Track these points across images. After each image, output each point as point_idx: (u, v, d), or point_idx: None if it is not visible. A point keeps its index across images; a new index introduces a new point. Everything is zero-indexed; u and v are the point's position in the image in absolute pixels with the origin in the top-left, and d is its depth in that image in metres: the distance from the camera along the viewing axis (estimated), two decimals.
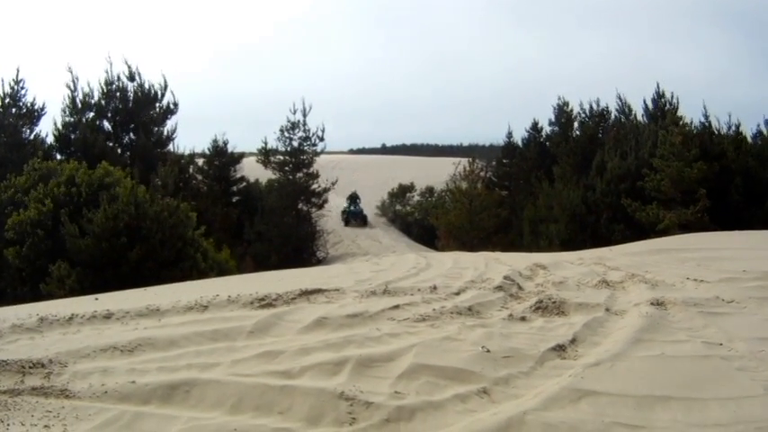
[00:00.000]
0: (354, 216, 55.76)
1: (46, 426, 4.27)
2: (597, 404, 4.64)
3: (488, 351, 5.81)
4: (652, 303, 7.97)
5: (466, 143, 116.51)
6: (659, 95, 37.59)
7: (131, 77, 32.09)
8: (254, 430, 4.27)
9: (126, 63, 32.79)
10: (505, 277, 10.45)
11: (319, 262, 35.26)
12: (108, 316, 7.48)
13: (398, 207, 58.67)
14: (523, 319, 7.44)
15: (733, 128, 34.30)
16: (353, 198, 58.17)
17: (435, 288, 9.44)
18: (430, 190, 57.34)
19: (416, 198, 58.54)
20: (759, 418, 4.45)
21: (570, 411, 4.52)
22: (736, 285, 9.32)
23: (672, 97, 37.11)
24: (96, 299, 10.21)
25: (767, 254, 13.78)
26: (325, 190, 38.37)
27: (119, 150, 31.23)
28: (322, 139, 37.89)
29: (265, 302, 8.13)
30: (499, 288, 9.41)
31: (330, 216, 41.73)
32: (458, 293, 9.08)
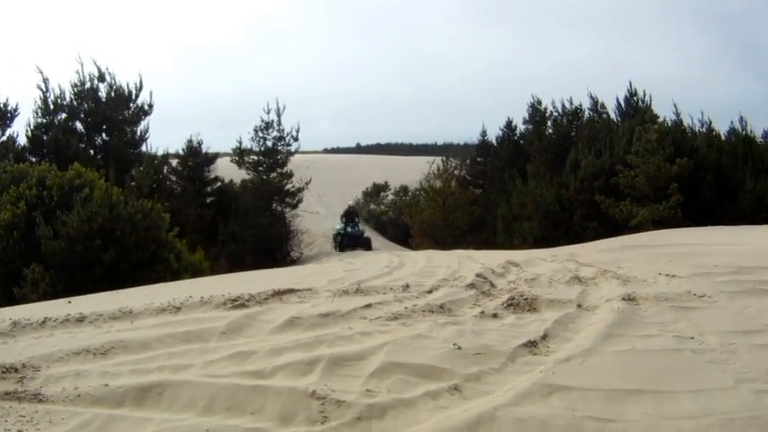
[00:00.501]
0: (353, 239, 41.11)
1: (20, 430, 4.26)
2: (568, 399, 4.67)
3: (460, 348, 5.83)
4: (623, 299, 8.02)
5: (440, 142, 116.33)
6: (632, 94, 37.83)
7: (101, 78, 31.84)
8: (226, 431, 4.27)
9: (95, 64, 32.70)
10: (478, 275, 10.51)
11: (293, 262, 35.14)
12: (81, 319, 7.47)
13: (372, 206, 58.23)
14: (495, 316, 7.46)
15: (705, 126, 34.67)
16: (351, 215, 42.83)
17: (408, 286, 9.46)
18: (404, 189, 57.19)
19: (390, 197, 58.38)
20: (730, 409, 4.49)
21: (541, 406, 4.54)
22: (707, 280, 9.38)
23: (645, 95, 37.43)
24: (69, 302, 10.19)
25: (739, 249, 13.85)
26: (300, 190, 38.22)
27: (92, 152, 31.04)
28: (296, 139, 37.76)
29: (238, 303, 8.13)
30: (471, 286, 9.46)
31: (304, 216, 41.58)
32: (430, 292, 9.13)
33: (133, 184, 26.28)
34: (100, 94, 31.60)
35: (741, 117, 33.61)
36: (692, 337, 6.26)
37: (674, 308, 7.62)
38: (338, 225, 44.02)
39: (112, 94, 31.72)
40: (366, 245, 41.61)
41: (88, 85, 31.45)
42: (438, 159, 42.79)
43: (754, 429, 4.23)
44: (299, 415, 4.46)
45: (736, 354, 5.70)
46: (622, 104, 38.02)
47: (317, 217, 50.26)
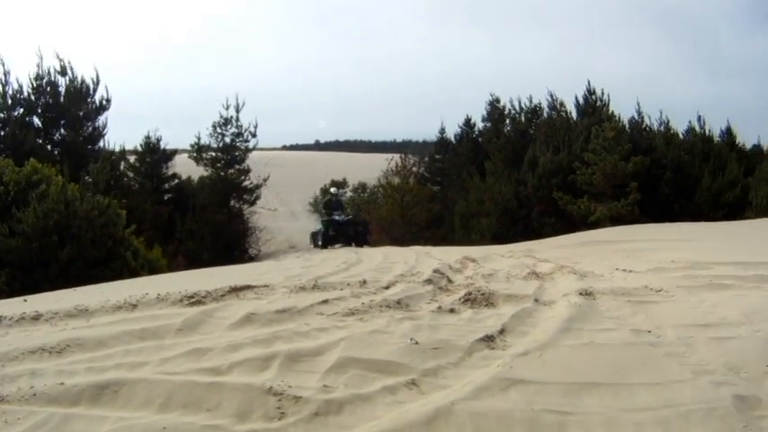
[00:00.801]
0: (342, 229, 31.63)
1: None
2: (526, 392, 4.65)
3: (417, 343, 5.80)
4: (581, 293, 8.05)
5: (400, 139, 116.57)
6: (590, 92, 38.03)
7: (63, 72, 31.61)
8: (183, 428, 4.21)
9: (58, 57, 32.29)
10: (435, 270, 10.52)
11: (251, 259, 34.97)
12: (36, 317, 7.39)
13: None
14: (452, 311, 7.46)
15: (663, 125, 35.30)
16: (334, 205, 33.54)
17: (365, 282, 9.46)
18: (362, 186, 57.23)
19: (349, 194, 58.32)
20: (687, 401, 4.51)
21: (499, 400, 4.52)
22: (664, 275, 9.49)
23: (603, 94, 37.65)
24: (25, 300, 10.10)
25: (695, 245, 14.03)
26: (258, 186, 38.05)
27: (49, 147, 30.82)
28: (254, 135, 37.60)
29: (194, 300, 8.07)
30: (429, 281, 9.47)
31: (262, 213, 41.28)
32: (387, 287, 9.14)
33: (88, 179, 26.16)
34: (60, 89, 31.39)
35: (699, 116, 34.58)
36: (650, 331, 6.28)
37: (632, 302, 7.67)
38: (318, 225, 35.40)
39: (72, 89, 31.51)
40: (360, 238, 31.72)
41: (47, 78, 31.23)
42: (396, 156, 42.86)
43: (712, 420, 4.25)
44: (256, 411, 4.42)
45: (693, 347, 5.74)
46: (581, 103, 38.18)
47: (275, 214, 49.97)
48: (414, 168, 43.52)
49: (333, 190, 38.75)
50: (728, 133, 35.68)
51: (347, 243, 31.38)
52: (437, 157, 44.82)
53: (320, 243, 31.82)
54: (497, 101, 41.38)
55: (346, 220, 32.53)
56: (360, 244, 30.74)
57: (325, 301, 7.87)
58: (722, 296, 7.89)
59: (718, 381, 4.87)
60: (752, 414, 4.33)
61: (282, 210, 53.60)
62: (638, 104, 36.22)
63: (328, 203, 34.18)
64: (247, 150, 37.63)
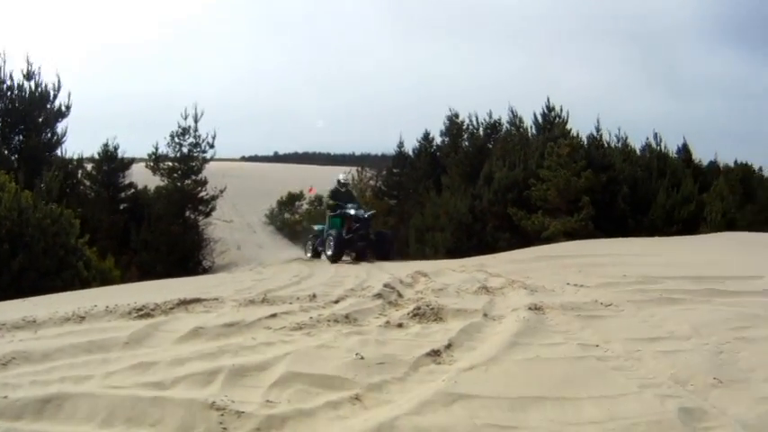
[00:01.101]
0: (364, 228, 22.26)
1: None
2: (470, 407, 4.63)
3: (362, 358, 5.76)
4: (530, 308, 8.06)
5: (358, 153, 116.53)
6: (549, 109, 38.29)
7: (29, 76, 31.43)
8: None
9: (27, 61, 32.00)
10: (385, 285, 10.53)
11: (205, 271, 34.75)
12: None
13: (287, 215, 57.94)
14: (400, 325, 7.45)
15: (621, 141, 35.94)
16: (344, 195, 23.94)
17: (314, 296, 9.45)
18: (319, 198, 57.15)
19: (305, 206, 58.12)
20: (634, 414, 4.54)
21: (443, 415, 4.50)
22: (614, 289, 9.56)
23: (561, 111, 37.93)
24: None
25: (647, 260, 14.12)
26: (214, 197, 37.90)
27: (6, 152, 30.58)
28: (212, 146, 37.53)
29: (143, 312, 8.01)
30: (378, 296, 9.47)
31: (217, 225, 41.00)
32: (336, 302, 9.14)
33: (42, 186, 25.98)
34: (22, 93, 31.16)
35: (656, 133, 35.47)
36: (597, 345, 6.32)
37: (581, 317, 7.70)
38: (316, 227, 25.37)
39: (36, 94, 31.31)
40: (382, 246, 22.75)
41: (9, 83, 31.01)
42: (353, 169, 42.87)
43: None
44: (199, 426, 4.38)
45: (640, 360, 5.78)
46: (539, 119, 38.39)
47: (230, 225, 49.82)
48: (371, 182, 43.59)
49: (342, 177, 24.93)
50: (685, 150, 36.70)
51: (363, 252, 22.44)
52: (395, 170, 44.79)
53: (330, 252, 21.79)
54: (456, 116, 41.64)
55: (368, 215, 22.83)
56: (383, 256, 22.12)
57: (274, 315, 7.84)
58: (672, 310, 7.98)
59: (665, 393, 4.89)
60: (697, 426, 4.35)
61: (238, 221, 53.30)
62: (598, 121, 36.66)
63: (336, 194, 23.98)
64: (204, 161, 37.56)
